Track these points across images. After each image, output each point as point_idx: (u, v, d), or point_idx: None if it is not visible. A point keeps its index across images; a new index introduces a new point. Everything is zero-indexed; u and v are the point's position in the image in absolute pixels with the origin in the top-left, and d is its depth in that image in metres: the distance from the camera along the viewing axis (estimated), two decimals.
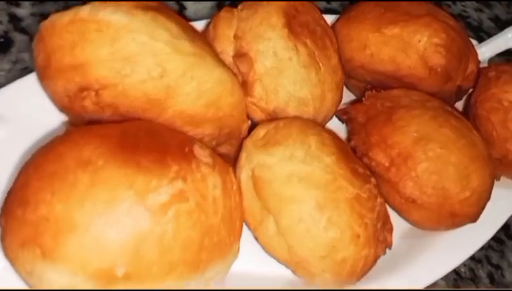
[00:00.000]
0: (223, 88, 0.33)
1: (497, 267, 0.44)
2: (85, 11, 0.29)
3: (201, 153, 0.29)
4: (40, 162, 0.26)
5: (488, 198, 0.35)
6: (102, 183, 0.24)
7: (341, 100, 0.41)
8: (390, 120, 0.35)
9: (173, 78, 0.30)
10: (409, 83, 0.39)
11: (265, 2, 0.38)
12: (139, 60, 0.29)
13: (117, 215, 0.24)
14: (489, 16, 0.67)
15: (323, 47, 0.39)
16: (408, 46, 0.38)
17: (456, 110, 0.38)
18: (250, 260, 0.32)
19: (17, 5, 0.46)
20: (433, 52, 0.37)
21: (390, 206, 0.36)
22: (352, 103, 0.42)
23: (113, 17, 0.28)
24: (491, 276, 0.43)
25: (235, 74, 0.35)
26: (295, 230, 0.29)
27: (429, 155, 0.33)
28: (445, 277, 0.39)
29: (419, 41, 0.38)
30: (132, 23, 0.29)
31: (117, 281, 0.24)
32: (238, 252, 0.31)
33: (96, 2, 0.29)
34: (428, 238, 0.37)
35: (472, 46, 0.41)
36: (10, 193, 0.26)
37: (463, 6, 0.67)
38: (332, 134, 0.34)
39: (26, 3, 0.46)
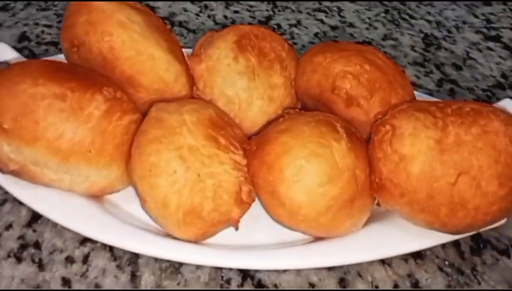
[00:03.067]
0: (156, 63, 0.44)
1: None
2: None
3: (108, 91, 0.41)
4: None
5: (336, 209, 0.36)
6: (20, 74, 0.38)
7: (275, 114, 0.47)
8: (279, 120, 0.40)
9: (117, 42, 0.43)
10: (329, 108, 0.43)
11: (234, 26, 0.49)
12: (98, 27, 0.43)
13: (16, 90, 0.37)
14: None
15: (267, 67, 0.47)
16: (328, 73, 0.43)
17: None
18: None
19: None
20: (340, 77, 0.41)
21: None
22: None
23: (98, 2, 0.44)
24: None
25: (182, 64, 0.46)
26: (133, 154, 0.37)
27: (279, 140, 0.36)
28: None
29: (334, 68, 0.42)
30: (106, 6, 0.44)
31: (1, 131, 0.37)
32: (122, 176, 0.40)
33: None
34: None
35: (403, 85, 0.42)
36: None
37: None
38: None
39: None
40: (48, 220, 0.42)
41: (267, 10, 0.78)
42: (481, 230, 0.39)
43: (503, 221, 0.39)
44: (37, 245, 0.41)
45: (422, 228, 0.38)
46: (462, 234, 0.38)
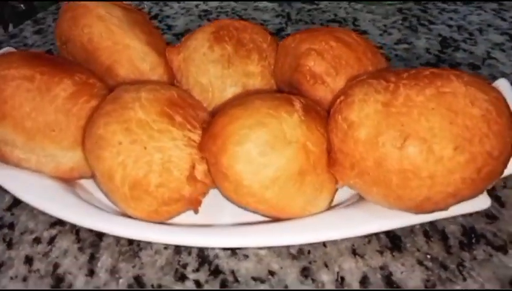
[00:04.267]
0: (132, 53, 0.45)
1: None
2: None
3: (79, 77, 0.42)
4: None
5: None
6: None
7: None
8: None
9: (95, 34, 0.45)
10: (298, 90, 0.41)
11: (217, 20, 0.50)
12: (79, 20, 0.46)
13: None
14: None
15: (243, 56, 0.46)
16: (296, 53, 0.41)
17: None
18: None
19: None
20: (305, 55, 0.39)
21: None
22: None
23: (84, 2, 0.47)
24: None
25: (161, 56, 0.47)
26: (87, 128, 0.38)
27: (229, 112, 0.35)
28: None
29: (301, 47, 0.41)
30: (87, 2, 0.46)
31: None
32: (82, 158, 0.41)
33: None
34: None
35: (374, 66, 0.39)
36: None
37: None
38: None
39: None
40: (27, 205, 0.44)
41: (280, 23, 0.78)
42: (452, 209, 0.34)
43: (486, 203, 0.35)
44: (11, 226, 0.43)
45: (386, 207, 0.34)
46: (429, 214, 0.33)
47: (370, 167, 0.31)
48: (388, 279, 0.36)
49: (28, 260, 0.40)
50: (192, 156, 0.37)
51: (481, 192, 0.32)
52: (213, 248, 0.39)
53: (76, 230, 0.42)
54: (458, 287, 0.35)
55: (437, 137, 0.29)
